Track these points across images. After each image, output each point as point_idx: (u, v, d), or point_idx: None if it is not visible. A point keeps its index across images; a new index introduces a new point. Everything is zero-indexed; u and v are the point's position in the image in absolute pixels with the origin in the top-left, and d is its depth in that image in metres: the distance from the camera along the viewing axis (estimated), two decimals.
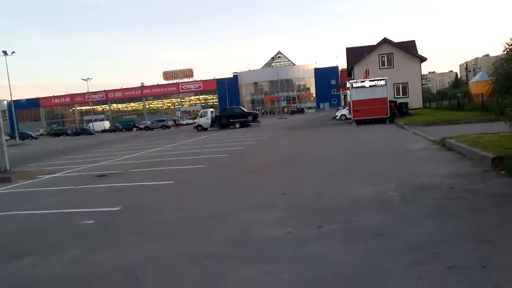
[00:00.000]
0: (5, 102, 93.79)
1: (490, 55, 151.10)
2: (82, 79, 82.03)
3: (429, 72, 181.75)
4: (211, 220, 5.67)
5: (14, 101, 62.94)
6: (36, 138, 71.12)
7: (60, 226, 6.19)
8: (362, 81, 26.28)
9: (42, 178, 12.01)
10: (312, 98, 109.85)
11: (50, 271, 4.21)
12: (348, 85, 28.77)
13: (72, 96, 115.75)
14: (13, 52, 52.51)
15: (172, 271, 3.92)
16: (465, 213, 4.92)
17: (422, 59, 39.84)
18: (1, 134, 13.35)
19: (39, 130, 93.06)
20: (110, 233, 5.45)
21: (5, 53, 50.92)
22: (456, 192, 5.89)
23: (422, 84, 42.89)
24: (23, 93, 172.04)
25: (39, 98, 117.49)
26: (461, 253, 3.72)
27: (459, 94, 35.57)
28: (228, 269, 3.85)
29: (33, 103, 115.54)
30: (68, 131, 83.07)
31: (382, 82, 24.86)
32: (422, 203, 5.54)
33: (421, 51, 41.42)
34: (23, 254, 4.82)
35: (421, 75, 41.69)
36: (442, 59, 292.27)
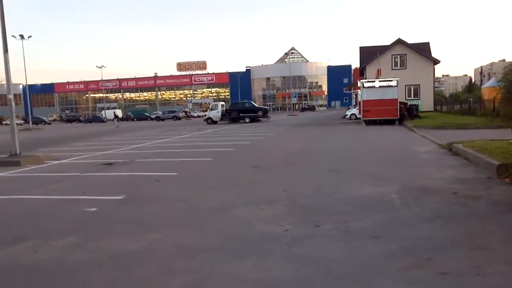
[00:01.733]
0: (21, 86, 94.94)
1: (506, 60, 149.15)
2: (97, 67, 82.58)
3: (442, 75, 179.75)
4: (210, 214, 5.71)
5: (29, 85, 63.57)
6: (49, 124, 72.04)
7: (62, 212, 6.27)
8: (373, 81, 26.10)
9: (50, 164, 12.17)
10: (323, 96, 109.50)
11: (48, 256, 4.28)
12: (359, 84, 28.60)
13: (86, 83, 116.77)
14: (29, 36, 53.16)
15: (166, 262, 3.97)
16: (464, 219, 4.90)
17: (436, 62, 39.45)
18: (12, 118, 13.55)
19: (52, 116, 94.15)
20: (110, 222, 5.53)
21: (22, 37, 51.53)
22: (457, 198, 5.86)
23: (435, 87, 42.48)
24: (38, 78, 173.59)
25: (53, 83, 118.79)
26: (455, 259, 3.71)
27: (471, 99, 35.09)
28: (220, 263, 3.89)
29: (48, 88, 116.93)
30: (80, 118, 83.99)
31: (393, 83, 24.67)
32: (422, 207, 5.52)
33: (435, 54, 41.06)
34: (24, 238, 4.90)
35: (434, 77, 41.25)
36: (457, 62, 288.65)
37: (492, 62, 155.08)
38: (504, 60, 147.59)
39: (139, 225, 5.29)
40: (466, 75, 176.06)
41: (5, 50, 13.15)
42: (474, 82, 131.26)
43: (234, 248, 4.28)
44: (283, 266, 3.73)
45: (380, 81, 25.52)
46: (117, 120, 52.18)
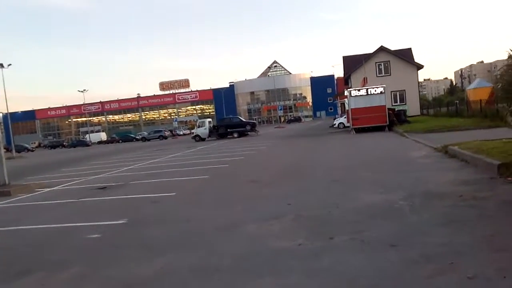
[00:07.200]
0: (0, 114, 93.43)
1: (485, 62, 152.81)
2: (78, 91, 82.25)
3: (424, 79, 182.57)
4: (218, 233, 5.57)
5: (10, 113, 62.55)
6: (32, 151, 70.84)
7: (64, 241, 6.07)
8: (360, 89, 26.34)
9: (41, 192, 11.87)
10: (308, 107, 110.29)
11: None
12: (346, 93, 28.84)
13: (68, 107, 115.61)
14: (9, 65, 52.44)
15: (182, 286, 3.82)
16: (477, 221, 4.85)
17: (419, 67, 40.10)
18: (0, 147, 13.23)
19: (34, 142, 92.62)
20: (117, 247, 5.34)
21: (1, 65, 50.85)
22: (465, 200, 5.83)
23: (419, 92, 43.06)
24: (18, 106, 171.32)
25: (34, 110, 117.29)
26: (479, 262, 3.64)
27: (457, 101, 35.63)
28: (240, 282, 3.76)
29: (29, 115, 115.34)
30: (64, 143, 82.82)
31: (381, 90, 24.94)
32: (432, 212, 5.47)
33: (417, 59, 41.58)
34: (27, 271, 4.68)
35: (418, 82, 41.87)
36: (437, 66, 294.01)
37: (471, 64, 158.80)
38: (482, 62, 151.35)
39: (147, 249, 5.12)
40: (446, 78, 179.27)
41: None
42: (456, 84, 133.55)
43: (251, 266, 4.15)
44: (306, 282, 3.62)
45: (367, 88, 25.75)
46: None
